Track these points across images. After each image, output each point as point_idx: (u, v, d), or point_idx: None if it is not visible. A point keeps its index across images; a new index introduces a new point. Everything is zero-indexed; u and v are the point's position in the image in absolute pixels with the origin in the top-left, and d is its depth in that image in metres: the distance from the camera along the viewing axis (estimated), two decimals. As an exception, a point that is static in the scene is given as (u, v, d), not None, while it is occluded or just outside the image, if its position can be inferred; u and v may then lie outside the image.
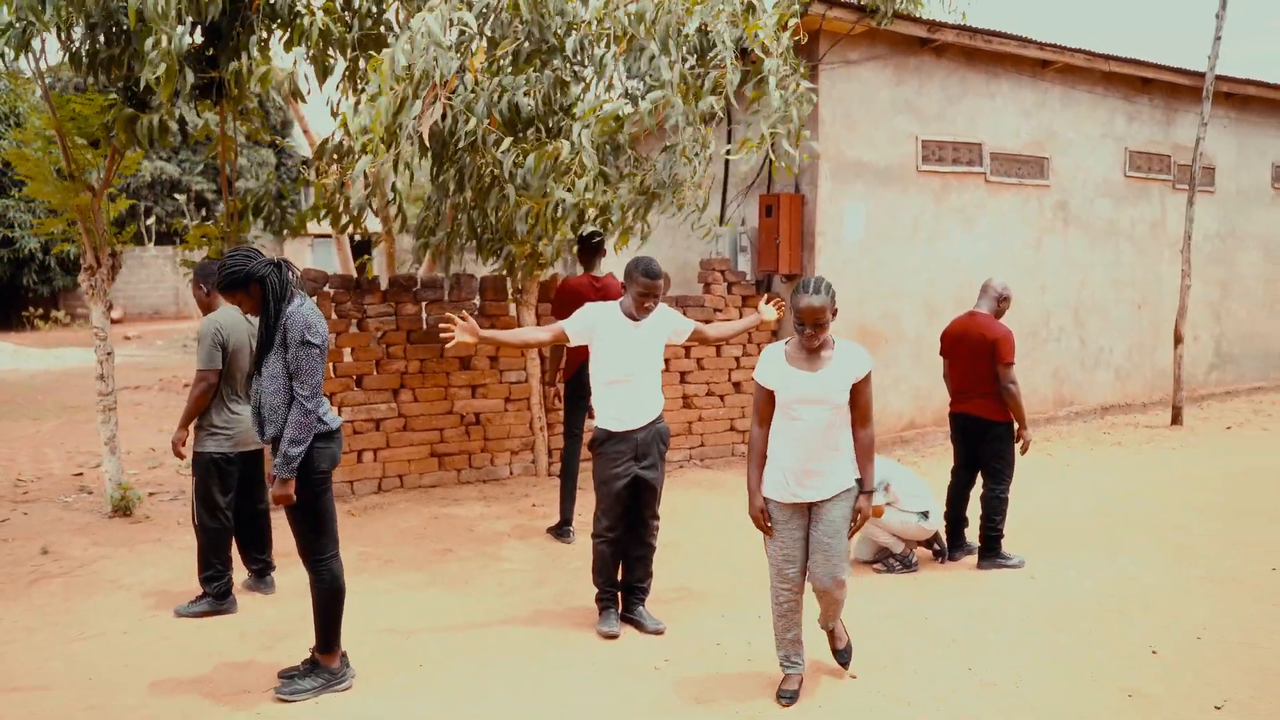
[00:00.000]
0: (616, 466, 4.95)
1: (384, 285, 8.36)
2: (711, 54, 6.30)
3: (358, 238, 7.95)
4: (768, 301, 5.69)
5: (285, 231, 7.87)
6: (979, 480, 6.27)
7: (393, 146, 5.31)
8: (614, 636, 4.97)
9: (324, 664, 4.32)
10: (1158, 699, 4.19)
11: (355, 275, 8.66)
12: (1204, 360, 12.93)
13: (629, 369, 4.96)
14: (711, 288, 9.56)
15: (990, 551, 6.11)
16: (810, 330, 4.00)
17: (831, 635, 4.51)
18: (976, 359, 6.08)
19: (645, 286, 4.88)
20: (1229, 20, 40.72)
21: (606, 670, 4.57)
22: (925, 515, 6.04)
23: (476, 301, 8.65)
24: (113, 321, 28.60)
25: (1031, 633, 4.98)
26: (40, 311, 26.52)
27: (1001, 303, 6.25)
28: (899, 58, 9.61)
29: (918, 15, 9.34)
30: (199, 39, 6.63)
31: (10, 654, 4.79)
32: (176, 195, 28.19)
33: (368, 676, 4.47)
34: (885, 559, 6.11)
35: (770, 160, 9.78)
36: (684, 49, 6.10)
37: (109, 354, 7.37)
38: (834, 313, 4.04)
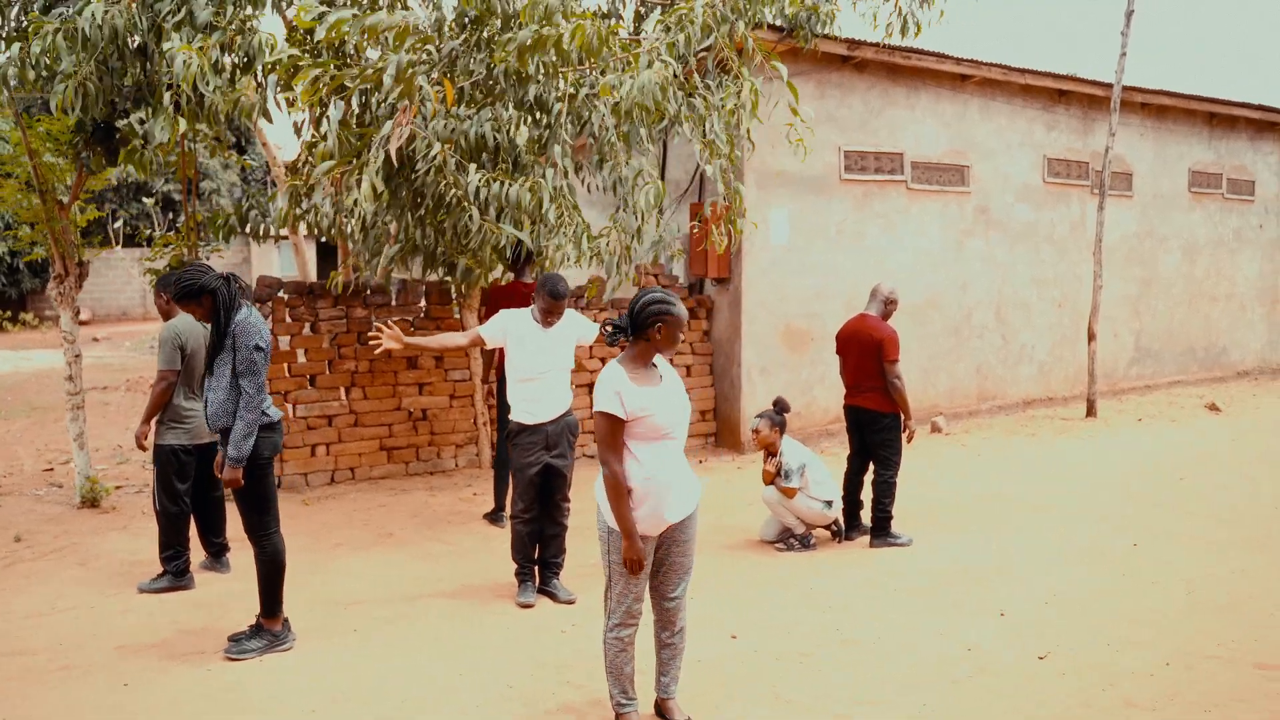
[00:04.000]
0: (530, 455, 5.59)
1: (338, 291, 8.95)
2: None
3: (324, 239, 8.48)
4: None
5: (258, 238, 8.39)
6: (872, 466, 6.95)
7: (361, 155, 5.91)
8: (530, 606, 5.59)
9: (267, 627, 4.92)
10: (992, 652, 4.85)
11: (312, 279, 9.23)
12: (1125, 355, 13.69)
13: (540, 369, 5.58)
14: (648, 290, 10.18)
15: (880, 531, 6.77)
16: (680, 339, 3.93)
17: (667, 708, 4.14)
18: (865, 357, 6.74)
19: (548, 304, 5.53)
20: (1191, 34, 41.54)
21: (520, 634, 5.19)
22: (829, 504, 6.71)
23: (423, 305, 9.25)
24: (81, 323, 28.98)
25: (898, 600, 5.65)
26: (8, 314, 26.86)
27: (889, 305, 6.90)
28: (821, 73, 10.28)
29: (837, 35, 9.98)
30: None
31: (-12, 627, 5.37)
32: (144, 198, 28.53)
33: (308, 639, 5.07)
34: (786, 539, 6.77)
35: (700, 170, 10.49)
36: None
37: (77, 356, 7.92)
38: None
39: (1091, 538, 6.84)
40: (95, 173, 7.55)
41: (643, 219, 7.06)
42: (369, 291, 8.96)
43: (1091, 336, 11.90)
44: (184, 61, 5.87)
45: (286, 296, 8.64)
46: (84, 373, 17.20)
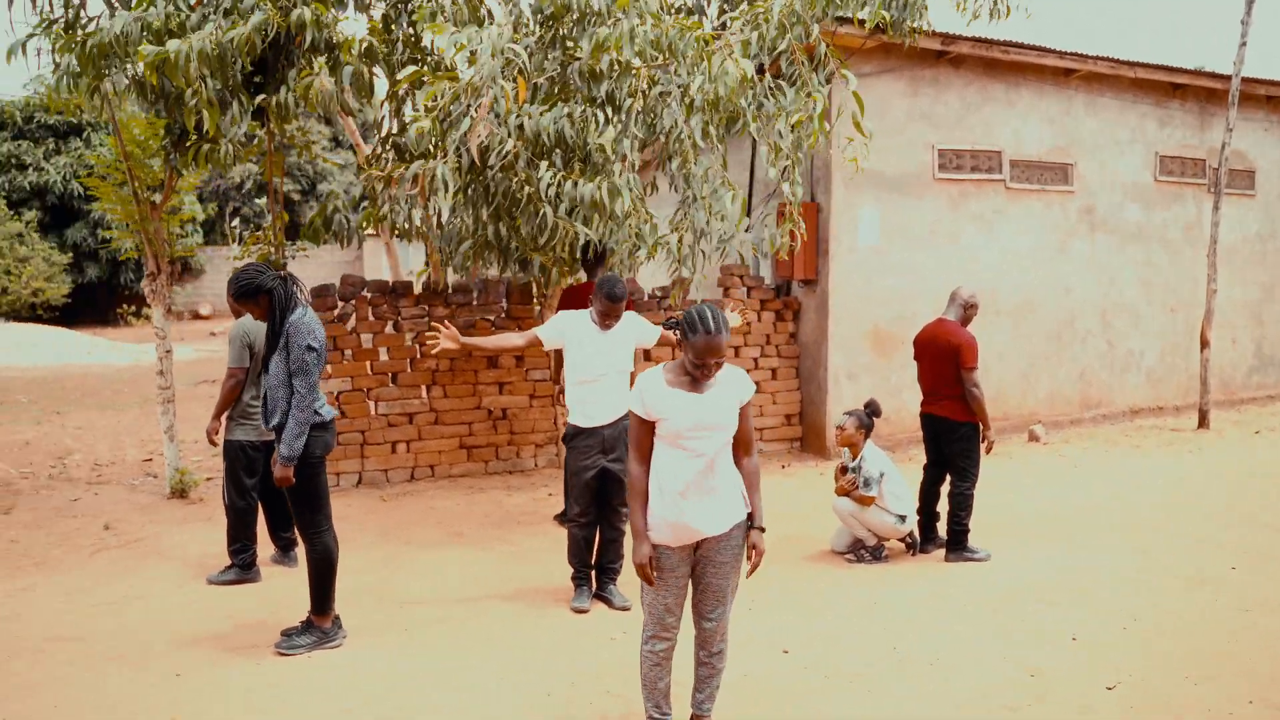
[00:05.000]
0: (586, 459, 5.52)
1: (417, 290, 9.08)
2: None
3: (399, 238, 8.58)
4: (732, 309, 6.18)
5: (355, 238, 8.55)
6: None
7: (442, 156, 5.95)
8: (584, 611, 5.53)
9: (317, 624, 4.97)
10: (1056, 679, 4.58)
11: (398, 279, 9.37)
12: (1244, 363, 12.92)
13: (597, 371, 5.51)
14: (730, 292, 10.04)
15: (957, 545, 6.50)
16: (711, 365, 3.67)
17: None
18: (942, 363, 6.48)
19: (606, 306, 5.45)
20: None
21: (567, 639, 5.13)
22: (902, 519, 6.47)
23: (504, 304, 9.29)
24: (201, 318, 30.17)
25: (966, 618, 5.39)
26: (134, 309, 28.19)
27: (968, 310, 6.62)
28: (914, 70, 9.96)
29: (928, 30, 9.64)
30: (249, 69, 7.35)
31: (63, 611, 5.56)
32: (259, 199, 29.58)
33: (358, 637, 5.11)
34: (857, 550, 6.55)
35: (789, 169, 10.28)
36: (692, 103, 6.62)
37: (168, 351, 8.19)
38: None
39: (1185, 559, 6.42)
40: (183, 174, 7.79)
41: (710, 216, 6.88)
42: (450, 290, 9.04)
43: (1205, 343, 11.25)
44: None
45: (370, 295, 8.78)
46: (199, 367, 17.98)
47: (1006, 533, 7.04)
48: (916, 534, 6.69)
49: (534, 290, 9.18)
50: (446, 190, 6.10)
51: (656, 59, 6.71)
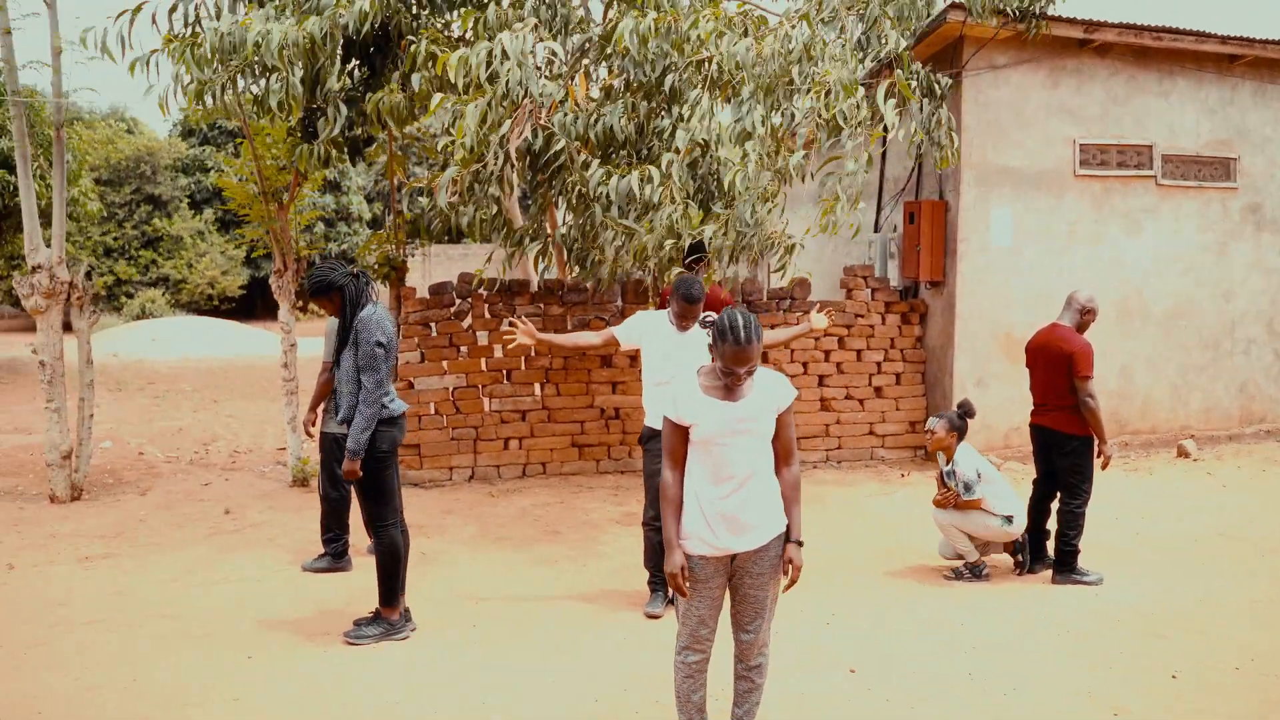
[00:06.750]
0: (659, 462, 5.40)
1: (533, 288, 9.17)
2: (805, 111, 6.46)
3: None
4: (819, 310, 5.95)
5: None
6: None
7: (482, 160, 5.97)
8: (657, 617, 5.44)
9: (385, 616, 5.07)
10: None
11: (514, 278, 9.48)
12: None
13: (673, 372, 5.39)
14: (853, 293, 9.73)
15: (1064, 567, 6.07)
16: (741, 374, 3.52)
17: None
18: (1054, 372, 6.07)
19: (682, 308, 5.34)
20: None
21: (630, 645, 5.05)
22: (1009, 520, 6.10)
23: (619, 304, 9.28)
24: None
25: (1055, 646, 5.02)
26: (302, 303, 29.76)
27: (1085, 315, 6.17)
28: (1054, 60, 9.40)
29: (1069, 16, 9.06)
30: (359, 72, 7.57)
31: (166, 590, 5.87)
32: (422, 198, 30.64)
33: (426, 631, 5.18)
34: (958, 568, 6.21)
35: (918, 166, 9.90)
36: (774, 100, 6.36)
37: (293, 345, 8.56)
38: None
39: (1329, 593, 5.81)
40: (306, 175, 8.10)
41: (754, 211, 6.46)
42: (565, 289, 9.09)
43: (1389, 356, 10.19)
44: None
45: (485, 294, 8.93)
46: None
47: (1126, 555, 6.55)
48: (1026, 553, 6.29)
49: (650, 288, 9.13)
50: (508, 187, 6.06)
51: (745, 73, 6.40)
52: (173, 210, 28.86)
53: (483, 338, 9.00)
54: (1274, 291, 10.55)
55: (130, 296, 27.31)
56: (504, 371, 8.98)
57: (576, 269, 8.14)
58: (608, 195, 6.00)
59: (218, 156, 29.49)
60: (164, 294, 27.38)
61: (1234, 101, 10.18)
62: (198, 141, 30.10)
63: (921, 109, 8.02)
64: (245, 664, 4.77)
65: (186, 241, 27.49)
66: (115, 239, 27.67)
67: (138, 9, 6.04)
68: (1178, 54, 9.81)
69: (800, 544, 3.69)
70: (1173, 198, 9.99)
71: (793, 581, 3.69)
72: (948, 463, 6.14)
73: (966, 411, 6.20)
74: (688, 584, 3.64)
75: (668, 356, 5.42)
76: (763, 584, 3.68)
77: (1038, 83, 9.40)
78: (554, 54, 5.95)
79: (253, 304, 30.06)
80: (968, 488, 6.02)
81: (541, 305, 9.05)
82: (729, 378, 3.54)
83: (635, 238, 6.08)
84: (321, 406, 6.32)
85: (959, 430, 6.14)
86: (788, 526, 3.70)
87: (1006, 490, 6.16)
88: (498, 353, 9.05)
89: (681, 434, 3.64)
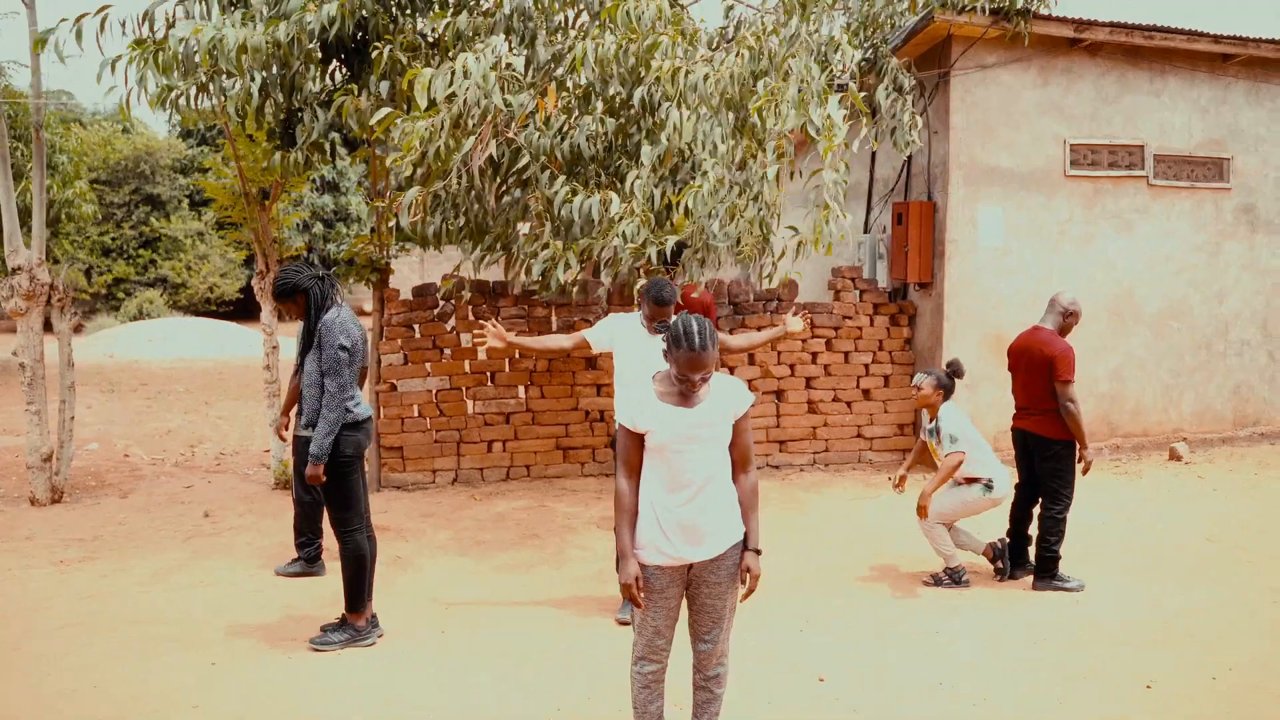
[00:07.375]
0: (629, 466, 5.35)
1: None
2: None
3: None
4: (794, 314, 5.89)
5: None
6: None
7: (445, 177, 5.91)
8: (626, 623, 5.36)
9: (351, 622, 5.01)
10: (1116, 729, 4.14)
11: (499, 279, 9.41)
12: None
13: (647, 374, 5.32)
14: (841, 295, 9.65)
15: (1045, 572, 5.99)
16: (696, 380, 3.47)
17: None
18: (1035, 375, 6.00)
19: (653, 310, 5.30)
20: None
21: (599, 653, 4.98)
22: (989, 486, 6.00)
23: (604, 306, 9.21)
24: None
25: (1033, 654, 4.95)
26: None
27: (1067, 318, 6.09)
28: (1044, 59, 9.32)
29: (1060, 15, 8.98)
30: (340, 74, 7.51)
31: (142, 595, 5.82)
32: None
33: (394, 637, 5.12)
34: (934, 574, 6.14)
35: (907, 167, 9.82)
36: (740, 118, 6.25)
37: (275, 347, 8.50)
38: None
39: (1313, 600, 5.73)
40: (285, 176, 8.04)
41: (721, 225, 6.29)
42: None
43: (1384, 357, 10.09)
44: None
45: (468, 295, 8.86)
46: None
47: (1110, 561, 6.47)
48: (1006, 559, 6.21)
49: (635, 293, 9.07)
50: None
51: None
52: (171, 210, 28.82)
53: (466, 340, 8.94)
54: (1268, 293, 10.46)
55: (129, 295, 27.29)
56: (488, 374, 8.92)
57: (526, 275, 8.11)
58: (571, 214, 5.90)
59: (206, 160, 29.48)
60: (162, 295, 27.36)
61: (1227, 101, 10.09)
62: (195, 142, 30.05)
63: (894, 108, 7.97)
64: (208, 670, 4.71)
65: (185, 244, 27.45)
66: (114, 239, 27.63)
67: (100, 11, 5.98)
68: (1170, 53, 9.73)
69: (758, 552, 3.63)
70: (1165, 198, 9.90)
71: (750, 590, 3.63)
72: (931, 420, 6.09)
73: (955, 371, 6.14)
74: (642, 594, 3.58)
75: (642, 359, 5.36)
76: (720, 593, 3.62)
77: (1028, 82, 9.33)
78: (514, 69, 5.83)
79: (251, 305, 30.04)
80: (952, 440, 5.93)
81: (525, 307, 8.98)
82: (684, 384, 3.49)
83: (589, 249, 6.00)
84: (294, 410, 6.25)
85: (945, 389, 6.08)
86: (745, 534, 3.63)
87: (988, 454, 6.06)
88: (481, 355, 8.98)
89: (637, 441, 3.58)
